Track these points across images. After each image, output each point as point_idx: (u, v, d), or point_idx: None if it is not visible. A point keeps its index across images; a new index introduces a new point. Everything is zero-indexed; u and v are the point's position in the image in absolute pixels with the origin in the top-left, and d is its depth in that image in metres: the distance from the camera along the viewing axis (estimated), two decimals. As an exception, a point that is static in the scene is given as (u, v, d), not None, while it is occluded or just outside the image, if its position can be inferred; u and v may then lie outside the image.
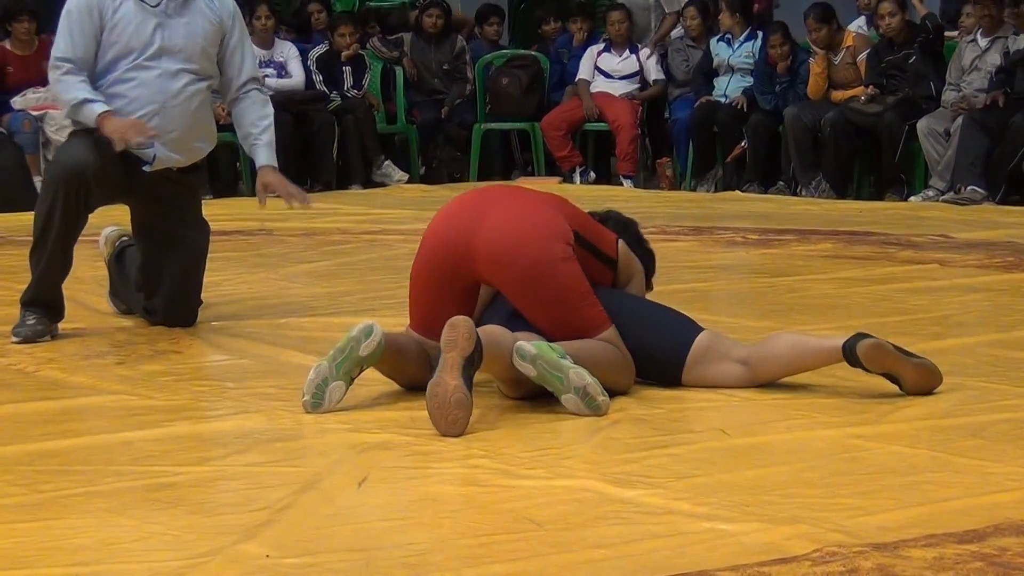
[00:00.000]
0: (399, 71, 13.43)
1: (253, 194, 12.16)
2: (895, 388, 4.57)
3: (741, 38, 12.51)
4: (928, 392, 4.52)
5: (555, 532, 3.25)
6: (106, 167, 5.53)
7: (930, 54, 11.52)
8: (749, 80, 12.34)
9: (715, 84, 12.55)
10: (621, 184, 12.59)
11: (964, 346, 5.38)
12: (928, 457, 3.84)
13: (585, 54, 13.23)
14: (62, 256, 5.60)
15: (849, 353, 4.47)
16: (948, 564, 2.95)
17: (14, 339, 5.53)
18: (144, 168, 5.63)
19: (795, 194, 11.71)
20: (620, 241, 4.86)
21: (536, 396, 4.47)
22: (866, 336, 4.50)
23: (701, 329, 4.69)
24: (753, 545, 3.11)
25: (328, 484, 3.62)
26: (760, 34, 12.48)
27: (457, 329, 4.16)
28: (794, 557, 3.01)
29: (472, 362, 4.16)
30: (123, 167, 5.59)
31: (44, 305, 5.61)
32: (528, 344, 4.30)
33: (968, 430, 4.12)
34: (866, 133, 11.56)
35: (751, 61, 12.38)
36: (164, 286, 5.79)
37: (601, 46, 13.19)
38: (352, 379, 4.44)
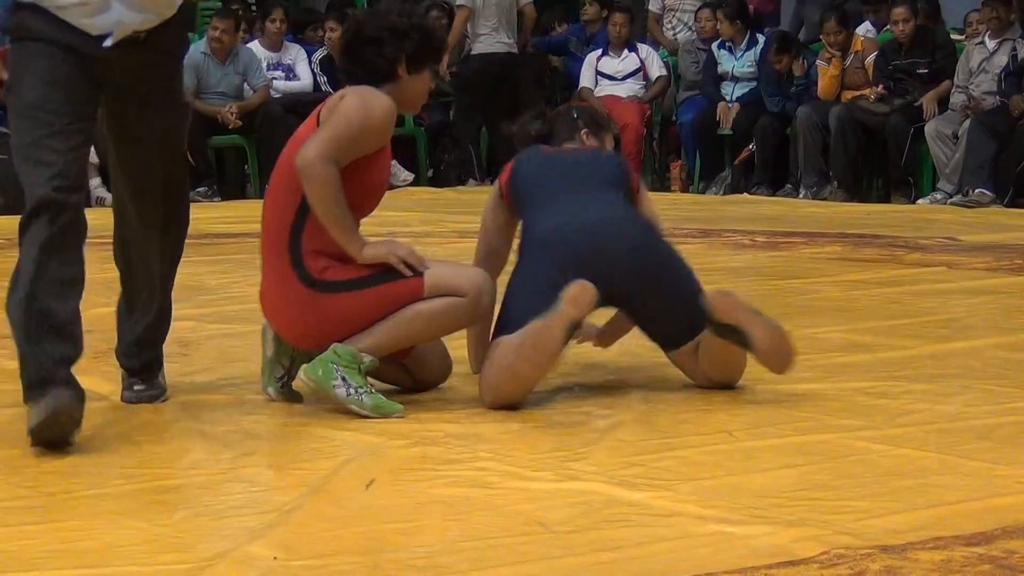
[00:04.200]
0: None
1: (261, 196, 12.24)
2: (900, 391, 4.57)
3: (742, 46, 12.55)
4: (782, 359, 4.49)
5: (563, 535, 3.25)
6: (63, 85, 4.19)
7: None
8: (753, 84, 12.40)
9: (722, 88, 12.59)
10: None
11: (972, 348, 5.38)
12: (936, 460, 3.84)
13: (584, 62, 13.26)
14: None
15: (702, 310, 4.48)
16: (956, 567, 2.95)
17: None
18: (104, 44, 4.24)
19: (797, 192, 11.76)
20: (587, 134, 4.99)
21: (543, 398, 4.49)
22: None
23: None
24: (761, 548, 3.11)
25: (336, 486, 3.63)
26: (761, 39, 12.53)
27: (587, 291, 4.28)
28: (802, 560, 3.01)
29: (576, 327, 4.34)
30: (79, 65, 4.21)
31: None
32: (304, 376, 4.41)
33: (976, 432, 4.12)
34: (872, 133, 11.59)
35: (753, 70, 12.44)
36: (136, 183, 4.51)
37: (599, 51, 13.22)
38: (284, 368, 4.56)
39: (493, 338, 4.54)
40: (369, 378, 4.43)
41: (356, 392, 4.34)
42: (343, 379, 4.34)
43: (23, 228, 4.08)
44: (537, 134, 5.01)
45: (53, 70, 4.17)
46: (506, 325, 4.50)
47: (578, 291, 4.31)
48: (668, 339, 4.66)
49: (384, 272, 4.41)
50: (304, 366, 4.43)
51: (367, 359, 4.38)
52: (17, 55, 4.24)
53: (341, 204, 4.36)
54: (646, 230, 4.66)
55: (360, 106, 4.42)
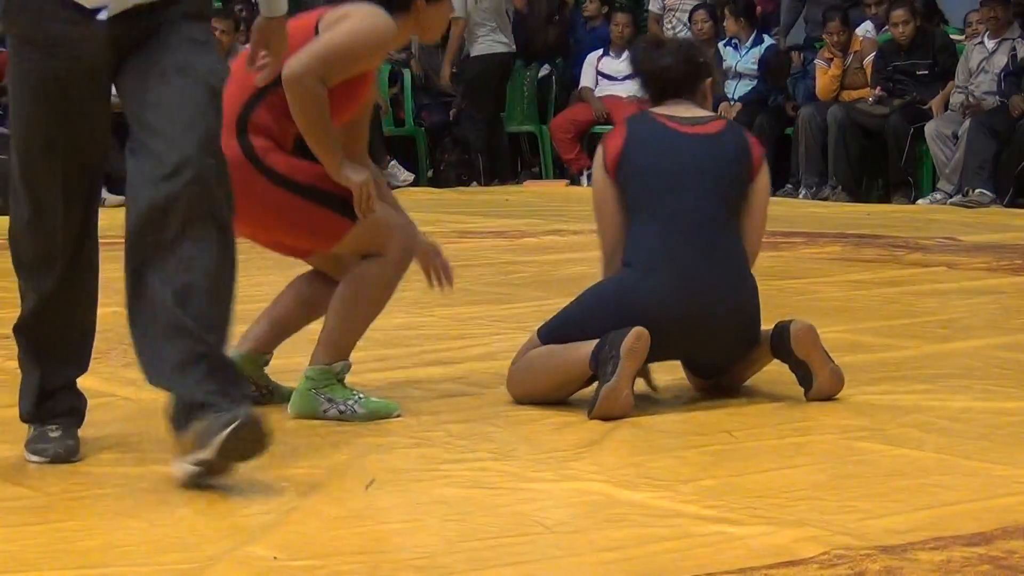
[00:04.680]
0: (407, 73, 13.44)
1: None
2: (901, 391, 4.58)
3: (748, 44, 12.56)
4: (824, 398, 4.50)
5: (563, 535, 3.25)
6: (71, 85, 3.72)
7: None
8: (755, 83, 12.42)
9: (724, 87, 12.61)
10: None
11: (971, 349, 5.38)
12: (935, 460, 3.84)
13: (585, 61, 13.30)
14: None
15: (780, 334, 4.45)
16: (955, 567, 2.95)
17: None
18: (99, 16, 3.63)
19: (797, 192, 11.78)
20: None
21: (545, 400, 4.49)
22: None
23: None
24: (760, 548, 3.11)
25: (336, 486, 3.63)
26: (767, 39, 12.56)
27: (642, 340, 4.24)
28: (802, 560, 3.01)
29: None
30: (73, 70, 3.69)
31: None
32: (292, 415, 4.38)
33: (975, 433, 4.12)
34: (872, 134, 11.61)
35: (756, 67, 12.46)
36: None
37: (599, 51, 13.27)
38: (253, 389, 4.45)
39: (549, 333, 4.52)
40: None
41: (347, 406, 4.33)
42: (328, 400, 4.34)
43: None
44: (666, 77, 4.59)
45: (47, 84, 3.70)
46: (564, 331, 4.50)
47: (636, 343, 4.25)
48: (702, 373, 4.64)
49: (324, 194, 4.28)
50: (288, 406, 4.40)
51: (338, 366, 4.37)
52: (10, 57, 3.74)
53: (325, 120, 4.20)
54: (749, 295, 4.50)
55: (365, 29, 4.22)
